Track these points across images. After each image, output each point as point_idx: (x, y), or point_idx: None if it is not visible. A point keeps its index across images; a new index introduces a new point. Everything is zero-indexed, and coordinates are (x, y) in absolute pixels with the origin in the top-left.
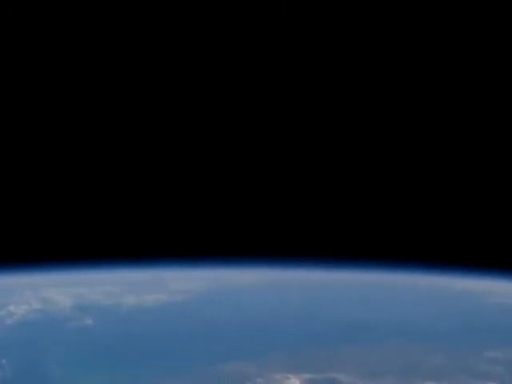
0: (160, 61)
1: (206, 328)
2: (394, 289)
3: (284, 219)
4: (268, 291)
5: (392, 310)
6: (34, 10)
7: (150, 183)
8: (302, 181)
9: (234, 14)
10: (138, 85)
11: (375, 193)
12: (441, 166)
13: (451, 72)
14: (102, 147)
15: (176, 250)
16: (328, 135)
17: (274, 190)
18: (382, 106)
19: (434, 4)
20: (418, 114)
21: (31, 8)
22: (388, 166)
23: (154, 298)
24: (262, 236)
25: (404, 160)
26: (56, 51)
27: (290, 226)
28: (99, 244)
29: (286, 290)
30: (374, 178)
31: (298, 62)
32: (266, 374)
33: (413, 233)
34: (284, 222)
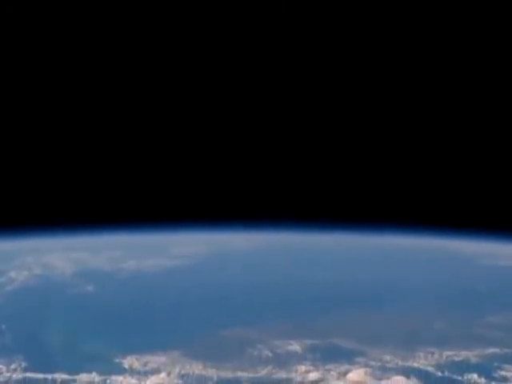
0: (161, 51)
1: (207, 293)
2: (394, 253)
3: (285, 183)
4: (269, 255)
5: (392, 274)
6: (34, 9)
7: (151, 150)
8: (302, 146)
9: (235, 12)
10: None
11: (374, 157)
12: (435, 131)
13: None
14: (103, 111)
15: (176, 215)
16: (325, 106)
17: (274, 155)
18: (378, 82)
19: (433, 4)
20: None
21: (31, 8)
22: (385, 130)
23: (155, 263)
24: (262, 200)
25: (400, 124)
26: (56, 50)
27: (290, 189)
28: (100, 209)
29: (286, 254)
30: (373, 142)
31: (294, 49)
32: (267, 340)
33: (412, 196)
34: (285, 185)
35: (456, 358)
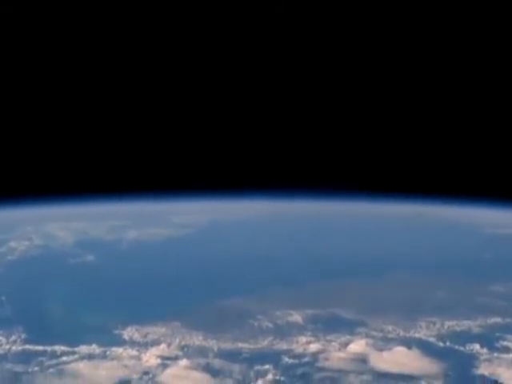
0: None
1: (208, 263)
2: (396, 221)
3: (285, 152)
4: (268, 224)
5: (394, 243)
6: (34, 9)
7: (152, 119)
8: (302, 115)
9: (235, 11)
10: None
11: (374, 125)
12: (436, 99)
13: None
14: (106, 84)
15: (177, 183)
16: (326, 71)
17: (274, 122)
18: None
19: (431, 4)
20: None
21: (31, 8)
22: (386, 99)
23: (156, 233)
24: (262, 169)
25: (401, 94)
26: (56, 49)
27: (291, 158)
28: (101, 177)
29: (286, 223)
30: (373, 111)
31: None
32: (268, 311)
33: (412, 164)
34: (285, 154)
35: (458, 328)
